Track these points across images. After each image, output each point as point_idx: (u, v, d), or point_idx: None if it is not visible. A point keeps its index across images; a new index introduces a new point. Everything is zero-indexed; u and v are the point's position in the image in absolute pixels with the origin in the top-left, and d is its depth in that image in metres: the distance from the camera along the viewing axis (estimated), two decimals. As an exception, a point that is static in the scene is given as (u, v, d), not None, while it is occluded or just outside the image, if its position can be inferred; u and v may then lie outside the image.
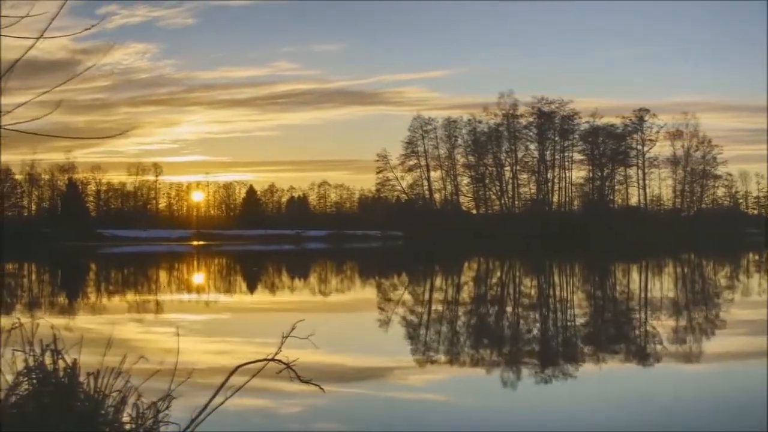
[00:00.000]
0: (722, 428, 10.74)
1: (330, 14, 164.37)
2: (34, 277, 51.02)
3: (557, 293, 35.63)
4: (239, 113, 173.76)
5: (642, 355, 17.56)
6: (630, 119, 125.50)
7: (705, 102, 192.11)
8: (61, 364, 5.98)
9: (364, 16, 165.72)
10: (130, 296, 33.60)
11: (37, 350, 6.05)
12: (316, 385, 7.29)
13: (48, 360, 5.96)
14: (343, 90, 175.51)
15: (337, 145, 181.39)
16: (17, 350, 6.20)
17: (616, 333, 22.37)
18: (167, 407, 6.18)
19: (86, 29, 7.20)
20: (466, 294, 35.77)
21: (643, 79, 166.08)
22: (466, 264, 65.32)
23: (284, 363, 7.02)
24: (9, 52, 6.36)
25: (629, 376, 15.23)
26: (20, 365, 6.06)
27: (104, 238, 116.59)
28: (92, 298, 32.51)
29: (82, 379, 5.98)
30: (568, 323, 24.94)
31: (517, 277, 50.35)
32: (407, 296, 34.15)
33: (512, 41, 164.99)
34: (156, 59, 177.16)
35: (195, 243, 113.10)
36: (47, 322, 6.64)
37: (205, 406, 6.43)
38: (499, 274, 53.49)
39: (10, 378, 6.11)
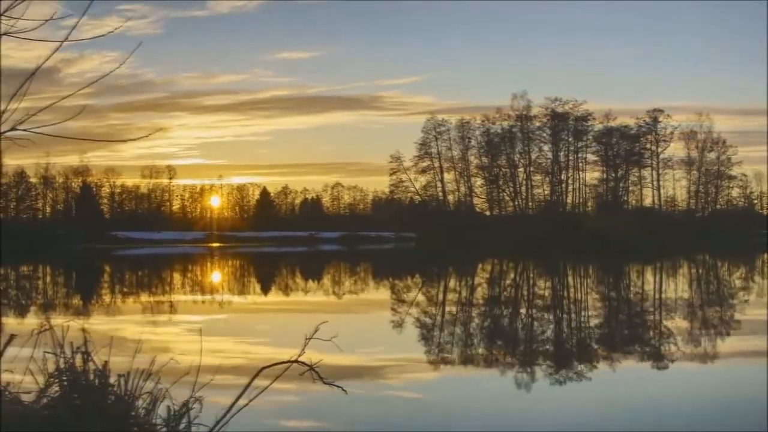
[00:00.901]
0: (730, 428, 10.76)
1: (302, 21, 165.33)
2: (49, 279, 51.24)
3: (576, 295, 35.61)
4: (227, 118, 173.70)
5: (661, 356, 17.56)
6: (644, 120, 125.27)
7: (718, 102, 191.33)
8: (91, 366, 6.04)
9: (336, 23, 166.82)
10: (151, 298, 33.77)
11: (68, 352, 6.11)
12: (338, 387, 7.34)
13: (78, 362, 6.01)
14: (326, 95, 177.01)
15: (336, 149, 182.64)
16: (48, 352, 6.26)
17: (635, 335, 22.37)
18: (200, 409, 6.24)
19: (110, 32, 7.26)
20: (487, 296, 35.78)
21: (656, 80, 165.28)
22: (480, 265, 65.26)
23: (308, 365, 7.08)
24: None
25: (650, 376, 15.24)
26: (51, 367, 6.14)
27: (118, 240, 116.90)
28: (114, 300, 32.71)
29: (112, 380, 6.04)
30: (587, 325, 24.95)
31: (532, 279, 50.32)
32: (424, 298, 34.19)
33: (514, 42, 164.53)
34: (134, 67, 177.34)
35: (210, 245, 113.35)
36: (77, 324, 6.69)
37: (230, 408, 6.49)
38: (514, 275, 53.48)
39: (40, 380, 6.18)
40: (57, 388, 5.99)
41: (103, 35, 7.24)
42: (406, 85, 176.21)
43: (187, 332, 21.00)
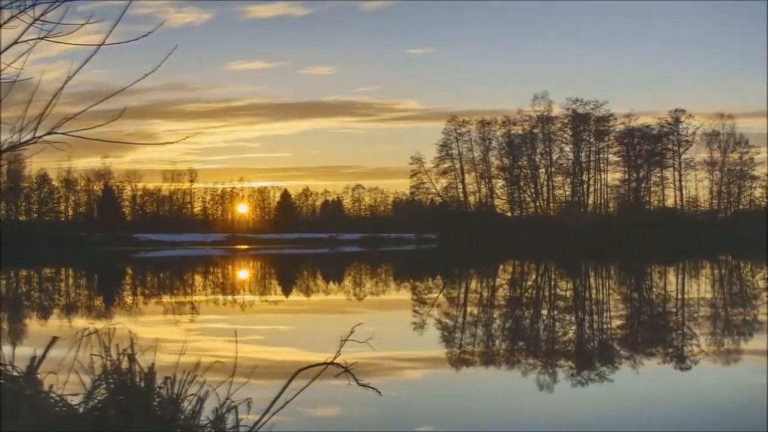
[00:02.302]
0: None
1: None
2: (75, 281, 51.47)
3: (602, 297, 35.52)
4: (214, 124, 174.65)
5: (684, 358, 17.49)
6: (666, 120, 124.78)
7: (741, 103, 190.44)
8: (136, 368, 6.08)
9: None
10: (182, 299, 33.94)
11: (114, 355, 6.15)
12: (373, 388, 7.37)
13: (124, 364, 6.05)
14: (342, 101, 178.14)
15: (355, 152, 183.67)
16: (95, 355, 6.30)
17: (658, 336, 22.29)
18: (247, 409, 6.27)
19: (143, 35, 7.28)
20: (514, 297, 35.73)
21: (677, 80, 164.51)
22: (502, 267, 65.17)
23: (343, 367, 7.12)
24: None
25: (674, 377, 15.20)
26: (86, 369, 6.18)
27: (140, 242, 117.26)
28: (146, 302, 32.89)
29: (158, 382, 6.08)
30: (616, 326, 24.89)
31: (556, 280, 50.20)
32: (450, 299, 34.18)
33: (534, 43, 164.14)
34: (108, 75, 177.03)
35: (234, 247, 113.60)
36: (120, 327, 6.73)
37: (267, 409, 6.52)
38: (536, 277, 53.35)
39: (83, 382, 6.22)
40: (104, 391, 6.03)
41: (136, 39, 7.27)
42: (423, 89, 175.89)
43: (222, 333, 21.16)
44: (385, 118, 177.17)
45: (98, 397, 6.02)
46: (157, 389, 6.03)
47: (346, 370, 7.15)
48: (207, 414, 6.20)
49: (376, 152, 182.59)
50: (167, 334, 19.75)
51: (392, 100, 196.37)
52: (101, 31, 6.61)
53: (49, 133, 6.48)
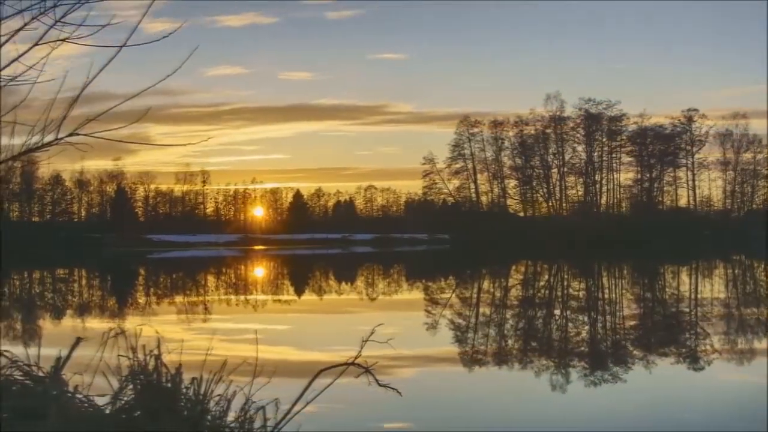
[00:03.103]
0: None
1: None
2: (92, 282, 51.63)
3: (618, 298, 35.47)
4: (207, 127, 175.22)
5: (698, 358, 17.45)
6: (678, 120, 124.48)
7: (754, 103, 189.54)
8: (163, 369, 6.10)
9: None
10: (199, 300, 34.10)
11: (140, 356, 6.17)
12: (393, 389, 7.38)
13: (151, 365, 6.07)
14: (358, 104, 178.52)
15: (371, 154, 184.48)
16: (122, 356, 6.32)
17: (671, 336, 22.24)
18: (275, 410, 6.28)
19: (164, 37, 7.28)
20: (532, 298, 35.72)
21: (690, 80, 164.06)
22: (514, 267, 65.10)
23: (364, 367, 7.13)
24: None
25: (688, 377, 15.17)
26: (111, 370, 6.21)
27: (153, 243, 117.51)
28: (163, 302, 33.06)
29: (185, 383, 6.09)
30: (634, 327, 24.85)
31: (573, 281, 50.13)
32: (469, 300, 34.18)
33: (546, 44, 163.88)
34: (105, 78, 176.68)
35: (247, 247, 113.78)
36: (149, 327, 6.75)
37: (290, 410, 6.54)
38: (551, 277, 53.29)
39: (112, 382, 6.24)
40: (130, 391, 6.05)
41: (157, 40, 7.28)
42: (436, 90, 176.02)
43: (242, 333, 21.28)
44: (377, 121, 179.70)
45: (125, 398, 6.04)
46: (184, 389, 6.05)
47: (367, 371, 7.17)
48: (234, 414, 6.23)
49: (374, 154, 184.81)
50: (187, 335, 19.80)
51: (385, 102, 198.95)
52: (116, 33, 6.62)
53: (71, 135, 6.50)
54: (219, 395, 6.18)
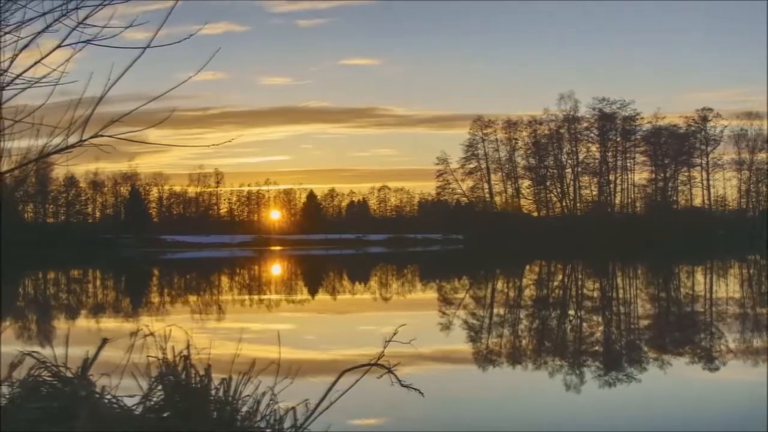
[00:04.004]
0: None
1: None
2: (105, 283, 51.79)
3: (636, 299, 35.41)
4: (201, 131, 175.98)
5: (713, 358, 17.40)
6: (693, 119, 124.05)
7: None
8: (192, 370, 6.11)
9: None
10: (219, 300, 34.25)
11: (169, 356, 6.18)
12: (416, 389, 7.38)
13: (180, 366, 6.08)
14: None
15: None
16: (151, 357, 6.34)
17: (687, 337, 22.18)
18: (305, 410, 6.29)
19: (185, 38, 7.29)
20: (549, 299, 35.69)
21: (705, 79, 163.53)
22: (528, 267, 65.01)
23: (386, 368, 7.14)
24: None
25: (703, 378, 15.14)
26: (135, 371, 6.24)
27: (167, 243, 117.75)
28: (180, 303, 33.24)
29: (214, 384, 6.11)
30: (652, 327, 24.82)
31: (589, 282, 50.05)
32: (487, 301, 34.17)
33: (560, 43, 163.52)
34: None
35: (262, 248, 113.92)
36: (180, 328, 6.77)
37: (314, 410, 6.55)
38: (568, 278, 53.20)
39: (139, 383, 6.26)
40: (159, 392, 6.06)
41: (179, 41, 7.28)
42: (450, 91, 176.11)
43: (265, 333, 21.42)
44: (371, 123, 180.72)
45: (154, 399, 6.06)
46: (214, 390, 6.06)
47: (390, 371, 7.18)
48: (262, 414, 6.25)
49: (373, 155, 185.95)
50: (209, 336, 19.85)
51: (372, 106, 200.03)
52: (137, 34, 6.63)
53: (95, 136, 6.51)
54: (248, 395, 6.20)
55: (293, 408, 6.35)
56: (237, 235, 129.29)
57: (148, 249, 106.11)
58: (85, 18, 6.84)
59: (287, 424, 6.22)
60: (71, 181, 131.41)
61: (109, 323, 25.29)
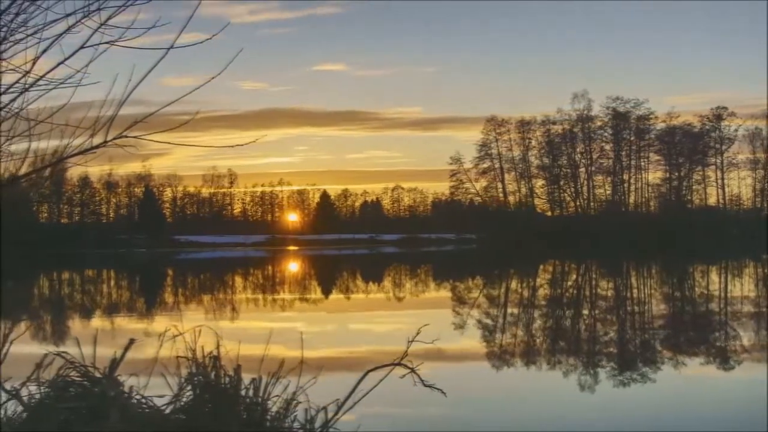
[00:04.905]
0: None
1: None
2: (118, 283, 51.97)
3: (653, 299, 35.37)
4: (196, 134, 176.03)
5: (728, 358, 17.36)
6: (707, 118, 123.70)
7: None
8: (221, 371, 6.13)
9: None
10: (237, 299, 34.39)
11: (198, 356, 6.20)
12: (438, 389, 7.39)
13: (209, 366, 6.10)
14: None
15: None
16: (181, 357, 6.36)
17: (701, 337, 22.14)
18: (336, 410, 6.31)
19: (208, 38, 7.31)
20: (564, 298, 35.67)
21: (720, 78, 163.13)
22: (550, 267, 64.95)
23: (409, 368, 7.16)
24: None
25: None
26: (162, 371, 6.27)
27: (181, 243, 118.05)
28: (201, 302, 33.46)
29: (244, 384, 6.13)
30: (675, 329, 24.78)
31: (606, 281, 49.98)
32: (508, 301, 34.17)
33: (573, 42, 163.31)
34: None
35: (276, 248, 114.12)
36: (209, 329, 6.79)
37: (338, 409, 6.56)
38: (585, 278, 53.14)
39: (168, 383, 6.28)
40: (190, 393, 6.08)
41: (201, 42, 7.30)
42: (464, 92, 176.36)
43: (288, 332, 21.49)
44: (369, 126, 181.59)
45: (183, 399, 6.08)
46: (244, 390, 6.09)
47: (412, 371, 7.21)
48: (294, 414, 6.28)
49: (371, 156, 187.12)
50: (233, 335, 19.89)
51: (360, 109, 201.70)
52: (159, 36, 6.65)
53: (119, 137, 6.53)
54: (277, 396, 6.22)
55: (325, 408, 6.37)
56: (251, 235, 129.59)
57: (162, 249, 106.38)
58: (108, 19, 6.85)
59: (318, 423, 6.23)
60: (85, 182, 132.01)
61: (133, 324, 25.43)
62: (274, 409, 6.15)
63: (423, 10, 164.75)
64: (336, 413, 6.44)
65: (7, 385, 6.43)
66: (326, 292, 40.18)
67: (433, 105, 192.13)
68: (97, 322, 26.63)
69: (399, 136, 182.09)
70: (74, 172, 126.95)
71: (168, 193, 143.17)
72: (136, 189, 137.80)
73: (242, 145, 6.52)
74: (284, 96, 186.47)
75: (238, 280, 51.11)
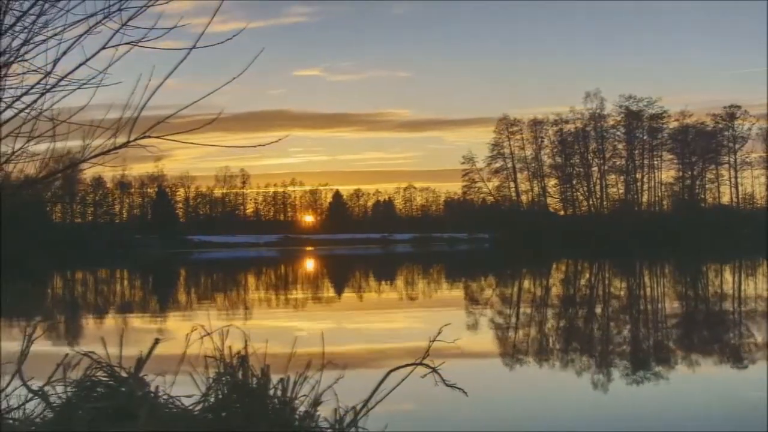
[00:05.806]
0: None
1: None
2: (131, 283, 52.08)
3: (669, 298, 35.32)
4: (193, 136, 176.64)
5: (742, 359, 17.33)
6: (720, 117, 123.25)
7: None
8: (249, 371, 6.15)
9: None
10: (256, 299, 34.52)
11: (226, 356, 6.22)
12: (459, 389, 7.39)
13: (237, 366, 6.12)
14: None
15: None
16: (209, 357, 6.38)
17: (714, 337, 22.09)
18: (366, 410, 6.32)
19: (228, 39, 7.31)
20: (577, 297, 35.63)
21: (733, 77, 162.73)
22: (563, 266, 64.87)
23: (431, 367, 7.17)
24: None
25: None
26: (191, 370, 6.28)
27: (194, 243, 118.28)
28: (220, 301, 33.61)
29: (272, 383, 6.15)
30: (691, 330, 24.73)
31: (620, 280, 49.91)
32: (526, 301, 34.17)
33: (585, 41, 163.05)
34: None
35: (289, 248, 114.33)
36: (236, 329, 6.81)
37: (361, 408, 6.57)
38: (598, 278, 53.06)
39: (192, 382, 6.30)
40: (217, 393, 6.10)
41: (221, 42, 7.30)
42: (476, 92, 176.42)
43: (310, 330, 21.59)
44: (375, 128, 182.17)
45: (212, 399, 6.11)
46: (272, 389, 6.10)
47: (434, 371, 7.22)
48: (320, 414, 6.31)
49: (371, 157, 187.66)
50: (262, 335, 19.94)
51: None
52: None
53: (142, 137, 6.54)
54: (304, 395, 6.25)
55: (354, 408, 6.38)
56: (263, 235, 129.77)
57: (175, 249, 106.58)
58: (129, 20, 6.86)
59: (346, 422, 6.25)
60: (98, 182, 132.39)
61: (154, 324, 25.52)
62: (302, 408, 6.17)
63: (423, 10, 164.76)
64: (360, 412, 6.45)
65: (32, 384, 6.47)
66: (345, 292, 40.22)
67: (448, 106, 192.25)
68: (117, 321, 26.75)
69: (409, 138, 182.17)
70: (88, 172, 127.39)
71: (181, 194, 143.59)
72: (149, 189, 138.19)
73: (264, 145, 6.56)
74: (275, 99, 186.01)
75: (254, 280, 51.18)
